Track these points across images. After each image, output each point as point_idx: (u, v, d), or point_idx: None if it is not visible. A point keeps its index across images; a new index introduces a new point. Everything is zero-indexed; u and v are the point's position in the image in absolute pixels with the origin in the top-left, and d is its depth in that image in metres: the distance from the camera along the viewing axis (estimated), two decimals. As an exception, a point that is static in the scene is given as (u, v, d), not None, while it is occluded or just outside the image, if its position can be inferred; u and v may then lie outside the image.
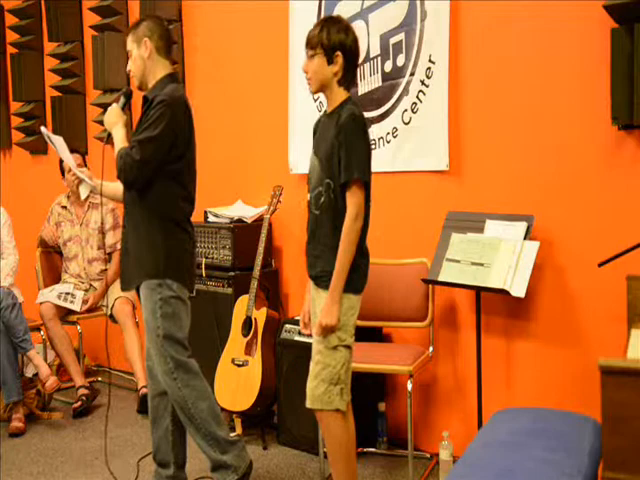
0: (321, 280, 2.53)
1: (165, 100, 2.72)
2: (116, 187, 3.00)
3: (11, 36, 5.60)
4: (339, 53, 2.48)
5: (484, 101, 3.26)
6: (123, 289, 2.97)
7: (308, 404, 2.57)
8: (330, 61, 2.49)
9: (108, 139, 2.87)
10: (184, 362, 2.82)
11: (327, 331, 2.48)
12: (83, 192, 3.17)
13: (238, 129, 4.23)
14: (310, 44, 2.52)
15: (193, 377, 2.83)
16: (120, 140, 2.80)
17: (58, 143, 3.04)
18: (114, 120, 2.85)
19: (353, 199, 2.45)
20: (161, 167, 2.75)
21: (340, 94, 2.54)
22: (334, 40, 2.48)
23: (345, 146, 2.44)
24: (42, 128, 3.14)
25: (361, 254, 2.52)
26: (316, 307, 2.59)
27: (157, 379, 2.91)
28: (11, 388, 3.90)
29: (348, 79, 2.55)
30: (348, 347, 2.53)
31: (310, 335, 2.74)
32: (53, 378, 3.98)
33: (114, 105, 2.89)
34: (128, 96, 2.94)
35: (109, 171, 4.85)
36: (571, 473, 1.92)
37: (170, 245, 2.81)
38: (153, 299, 2.80)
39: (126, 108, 2.95)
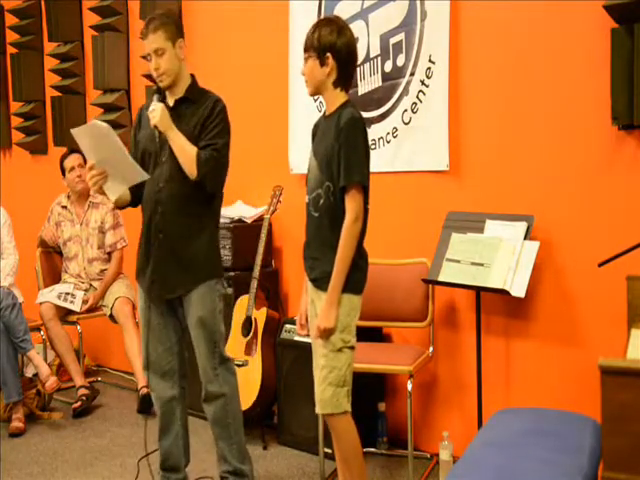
0: (322, 282, 2.52)
1: (224, 105, 2.81)
2: None
3: (11, 36, 5.60)
4: (329, 55, 2.47)
5: (484, 101, 3.26)
6: (165, 296, 2.85)
7: (318, 410, 2.56)
8: (322, 63, 2.49)
9: (160, 137, 2.75)
10: (227, 358, 2.91)
11: (326, 334, 2.48)
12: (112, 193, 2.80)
13: (238, 129, 4.22)
14: (305, 46, 2.53)
15: (231, 375, 2.92)
16: (185, 142, 2.73)
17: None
18: (169, 122, 2.73)
19: (352, 203, 2.44)
20: None
21: (337, 96, 2.54)
22: (324, 42, 2.47)
23: (345, 149, 2.44)
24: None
25: (360, 255, 2.53)
26: (316, 309, 2.58)
27: (165, 383, 2.90)
28: (11, 388, 3.90)
29: (344, 81, 2.54)
30: (352, 348, 2.53)
31: (307, 336, 2.74)
32: (53, 378, 3.98)
33: (162, 105, 2.75)
34: (163, 95, 2.83)
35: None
36: (571, 473, 1.92)
37: (218, 245, 2.97)
38: (212, 297, 2.84)
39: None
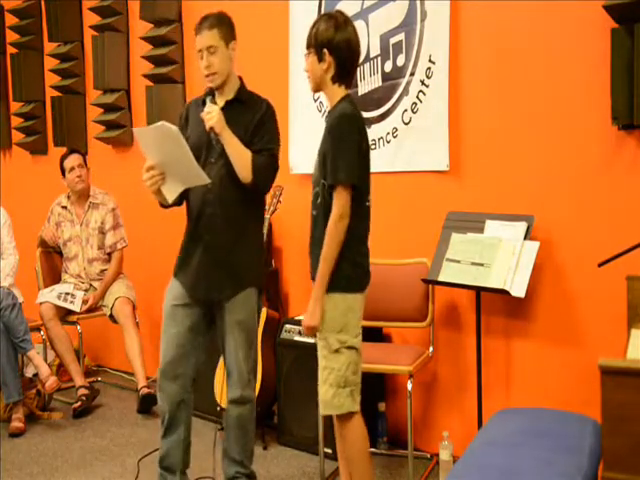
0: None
1: (274, 108, 2.82)
2: None
3: (11, 36, 5.60)
4: (326, 51, 2.47)
5: (484, 101, 3.26)
6: (212, 296, 2.81)
7: (321, 411, 2.57)
8: (320, 59, 2.49)
9: (217, 140, 2.70)
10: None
11: (310, 332, 2.51)
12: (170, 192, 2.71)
13: (238, 129, 4.23)
14: (306, 43, 2.54)
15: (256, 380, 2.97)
16: (241, 145, 2.71)
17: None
18: (224, 124, 2.69)
19: (337, 201, 2.42)
20: None
21: (336, 92, 2.54)
22: (321, 38, 2.48)
23: (332, 147, 2.43)
24: None
25: (360, 253, 2.52)
26: None
27: (176, 387, 2.86)
28: (11, 388, 3.90)
29: (344, 76, 2.53)
30: (351, 348, 2.51)
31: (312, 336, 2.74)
32: (53, 378, 3.98)
33: (218, 107, 2.71)
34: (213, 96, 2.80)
35: (108, 171, 4.83)
36: (571, 473, 1.92)
37: (263, 254, 2.96)
38: (254, 303, 2.85)
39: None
